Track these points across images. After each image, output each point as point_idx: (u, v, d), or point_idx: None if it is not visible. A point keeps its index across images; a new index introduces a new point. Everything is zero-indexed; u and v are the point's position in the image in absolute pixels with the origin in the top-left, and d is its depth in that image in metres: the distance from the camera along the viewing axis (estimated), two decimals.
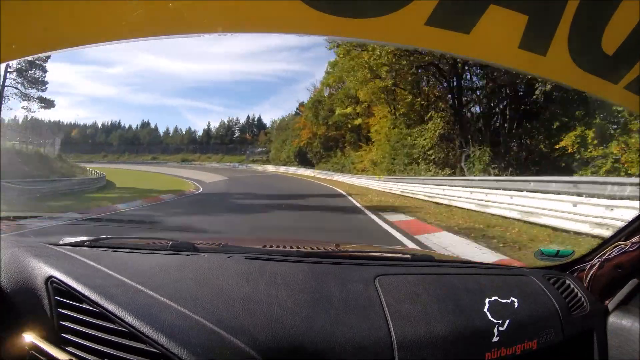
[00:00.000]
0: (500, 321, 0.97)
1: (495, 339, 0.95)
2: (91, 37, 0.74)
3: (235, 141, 62.97)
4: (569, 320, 1.10)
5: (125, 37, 0.73)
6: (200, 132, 64.79)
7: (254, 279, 0.94)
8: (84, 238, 1.16)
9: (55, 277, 0.83)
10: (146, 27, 0.73)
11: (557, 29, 0.73)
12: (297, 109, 48.94)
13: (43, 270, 0.85)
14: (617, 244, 1.14)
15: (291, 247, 1.29)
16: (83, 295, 0.80)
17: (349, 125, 33.46)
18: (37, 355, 0.71)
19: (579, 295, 1.16)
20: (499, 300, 1.02)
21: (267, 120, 65.96)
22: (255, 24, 0.75)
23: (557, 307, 1.09)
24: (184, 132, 64.88)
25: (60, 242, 1.10)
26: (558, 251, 1.32)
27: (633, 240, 1.10)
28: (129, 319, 0.74)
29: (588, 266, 1.21)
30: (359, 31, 0.74)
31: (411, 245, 5.46)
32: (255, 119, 66.82)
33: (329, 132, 36.75)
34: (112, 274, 0.88)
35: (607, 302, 1.17)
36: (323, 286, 0.95)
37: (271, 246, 1.29)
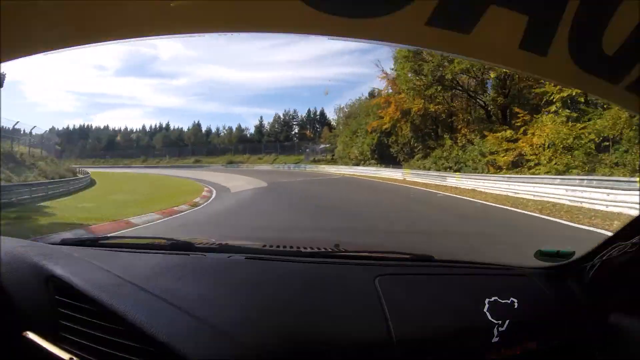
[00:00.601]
0: (500, 321, 0.97)
1: (495, 340, 0.95)
2: (91, 37, 0.74)
3: (292, 138, 50.49)
4: (569, 321, 1.10)
5: (126, 36, 0.73)
6: (252, 130, 52.89)
7: (253, 279, 0.94)
8: (84, 237, 1.16)
9: (56, 277, 0.84)
10: (146, 26, 0.73)
11: (558, 29, 0.72)
12: (369, 93, 35.20)
13: (43, 269, 0.85)
14: (617, 244, 1.14)
15: (291, 248, 1.29)
16: (83, 294, 0.80)
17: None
18: (38, 354, 0.71)
19: (580, 295, 1.16)
20: (499, 300, 1.02)
21: (331, 115, 49.02)
22: (255, 23, 0.75)
23: (557, 308, 1.09)
24: (233, 130, 53.36)
25: (60, 242, 1.10)
26: (558, 251, 1.32)
27: (633, 240, 1.10)
28: (129, 318, 0.74)
29: (588, 266, 1.21)
30: (359, 31, 0.74)
31: None
32: (317, 113, 51.32)
33: (431, 107, 21.83)
34: (112, 273, 0.88)
35: (607, 302, 1.16)
36: (323, 286, 0.94)
37: (271, 246, 1.29)
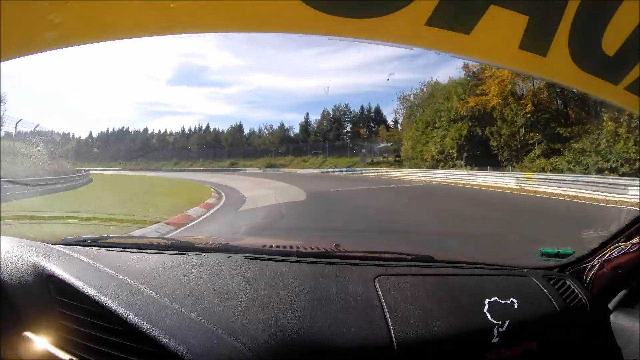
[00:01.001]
0: (500, 322, 0.97)
1: (495, 340, 0.95)
2: (91, 36, 0.74)
3: (343, 137, 41.03)
4: (569, 321, 1.10)
5: (126, 36, 0.74)
6: (297, 129, 43.89)
7: (253, 279, 0.93)
8: (85, 237, 1.16)
9: (56, 277, 0.83)
10: (146, 26, 0.73)
11: (558, 29, 0.73)
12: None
13: (43, 269, 0.85)
14: (617, 244, 1.14)
15: (291, 247, 1.29)
16: (83, 294, 0.79)
17: None
18: (38, 354, 0.71)
19: (579, 296, 1.16)
20: (499, 300, 1.02)
21: (389, 114, 40.95)
22: (256, 23, 0.75)
23: (557, 308, 1.09)
24: (274, 129, 44.71)
25: (61, 242, 1.10)
26: (558, 251, 1.32)
27: (633, 241, 1.10)
28: (129, 318, 0.74)
29: (588, 267, 1.21)
30: (359, 31, 0.75)
31: None
32: (372, 109, 41.37)
33: None
34: (112, 273, 0.88)
35: (607, 303, 1.16)
36: (322, 286, 0.94)
37: (271, 246, 1.29)
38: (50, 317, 0.79)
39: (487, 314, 0.98)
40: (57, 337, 0.76)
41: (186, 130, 46.33)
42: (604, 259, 1.16)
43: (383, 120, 40.14)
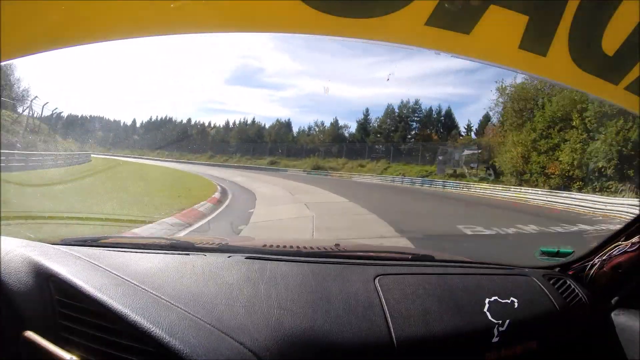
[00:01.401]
0: (500, 321, 0.97)
1: (495, 339, 0.95)
2: (91, 36, 0.74)
3: (411, 140, 31.75)
4: (569, 321, 1.10)
5: (126, 35, 0.74)
6: (353, 128, 35.71)
7: (253, 278, 0.93)
8: (85, 237, 1.16)
9: (56, 276, 0.83)
10: (146, 26, 0.73)
11: (557, 29, 0.73)
12: None
13: (44, 269, 0.85)
14: (617, 244, 1.15)
15: (291, 247, 1.29)
16: (83, 294, 0.79)
17: None
18: (38, 354, 0.71)
19: (579, 295, 1.16)
20: (499, 300, 1.02)
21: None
22: (256, 23, 0.75)
23: (557, 307, 1.09)
24: (326, 127, 36.77)
25: (61, 242, 1.09)
26: (558, 250, 1.32)
27: (633, 240, 1.10)
28: (129, 318, 0.74)
29: (588, 266, 1.21)
30: (359, 31, 0.75)
31: None
32: (442, 112, 32.53)
33: None
34: (113, 273, 0.88)
35: (607, 301, 1.17)
36: (323, 286, 0.94)
37: (271, 246, 1.29)
38: (51, 317, 0.79)
39: (488, 313, 0.98)
40: (58, 337, 0.76)
41: (230, 124, 40.07)
42: (604, 258, 1.16)
43: (455, 127, 31.25)
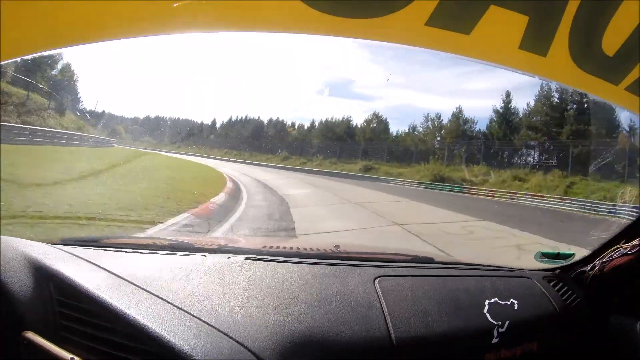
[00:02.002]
0: (500, 323, 0.97)
1: (494, 341, 0.94)
2: (91, 36, 0.74)
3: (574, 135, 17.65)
4: (569, 323, 1.09)
5: (126, 35, 0.74)
6: (481, 124, 23.92)
7: (253, 279, 0.93)
8: (85, 238, 1.16)
9: (56, 277, 0.83)
10: (146, 26, 0.73)
11: (558, 29, 0.73)
12: None
13: (44, 269, 0.85)
14: (617, 246, 1.14)
15: (291, 248, 1.28)
16: (83, 294, 0.79)
17: None
18: (38, 354, 0.71)
19: (579, 297, 1.16)
20: (499, 302, 1.02)
21: None
22: (256, 23, 0.75)
23: (557, 309, 1.09)
24: (443, 120, 26.04)
25: (61, 242, 1.09)
26: (558, 253, 1.32)
27: (633, 243, 1.10)
28: (129, 318, 0.74)
29: (589, 268, 1.21)
30: (359, 31, 0.75)
31: None
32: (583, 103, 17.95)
33: None
34: (113, 273, 0.88)
35: (607, 304, 1.16)
36: (323, 287, 0.94)
37: (271, 247, 1.29)
38: (51, 317, 0.79)
39: (487, 315, 0.97)
40: (58, 336, 0.76)
41: (316, 123, 31.83)
42: (604, 260, 1.16)
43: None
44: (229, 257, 1.05)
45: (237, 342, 0.73)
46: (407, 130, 27.64)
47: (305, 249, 1.30)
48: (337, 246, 1.35)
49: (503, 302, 1.02)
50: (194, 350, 0.69)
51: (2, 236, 0.92)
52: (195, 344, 0.71)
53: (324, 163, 27.47)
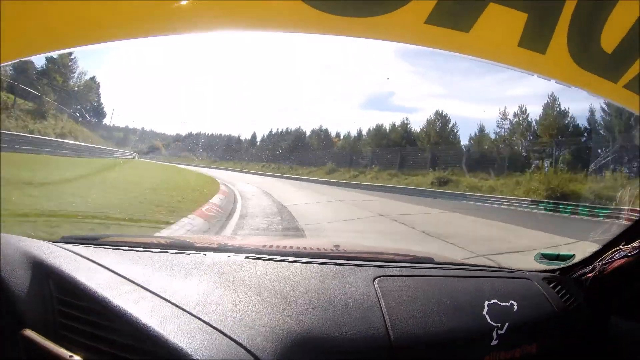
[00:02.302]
0: (500, 324, 0.96)
1: (494, 342, 0.94)
2: (91, 37, 0.74)
3: None
4: (569, 324, 1.09)
5: (126, 36, 0.74)
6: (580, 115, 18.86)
7: (253, 278, 0.93)
8: (85, 236, 1.16)
9: (56, 275, 0.83)
10: (146, 26, 0.74)
11: (557, 27, 0.73)
12: None
13: (44, 267, 0.85)
14: (617, 248, 1.14)
15: (291, 248, 1.28)
16: (83, 292, 0.79)
17: None
18: (37, 352, 0.71)
19: (579, 299, 1.15)
20: (499, 303, 1.02)
21: None
22: (256, 23, 0.75)
23: (557, 311, 1.08)
24: (520, 116, 19.32)
25: (61, 240, 1.10)
26: (558, 254, 1.32)
27: (634, 244, 1.10)
28: (129, 317, 0.74)
29: (588, 270, 1.21)
30: (359, 30, 0.75)
31: None
32: None
33: None
34: (112, 272, 0.88)
35: (607, 306, 1.16)
36: (322, 287, 0.94)
37: (271, 246, 1.29)
38: (50, 315, 0.79)
39: (487, 316, 0.97)
40: (57, 335, 0.76)
41: (364, 132, 26.59)
42: (604, 262, 1.15)
43: None
44: (228, 256, 1.05)
45: (236, 341, 0.73)
46: (475, 134, 21.14)
47: (305, 248, 1.30)
48: (336, 246, 1.35)
49: (502, 304, 1.02)
50: (192, 350, 0.69)
51: (2, 234, 0.93)
52: (193, 343, 0.71)
53: (380, 175, 20.94)
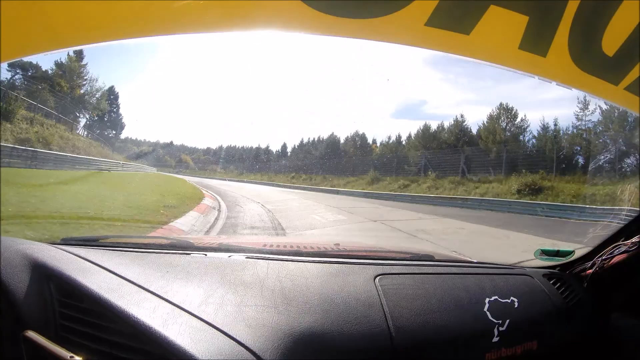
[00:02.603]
0: (500, 321, 0.97)
1: (495, 339, 0.95)
2: (91, 37, 0.74)
3: None
4: (569, 321, 1.10)
5: (126, 36, 0.74)
6: None
7: (254, 278, 0.93)
8: (85, 237, 1.16)
9: (56, 276, 0.83)
10: (146, 26, 0.73)
11: (558, 29, 0.73)
12: None
13: (44, 269, 0.85)
14: (617, 244, 1.14)
15: (291, 247, 1.29)
16: (83, 294, 0.79)
17: None
18: (38, 353, 0.71)
19: (580, 295, 1.16)
20: (499, 300, 1.02)
21: None
22: (256, 23, 0.75)
23: (557, 307, 1.09)
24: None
25: (61, 241, 1.10)
26: (558, 251, 1.32)
27: (633, 240, 1.10)
28: (129, 318, 0.74)
29: (589, 266, 1.21)
30: (359, 31, 0.75)
31: None
32: None
33: None
34: (113, 273, 0.88)
35: (607, 302, 1.16)
36: (323, 286, 0.94)
37: (271, 245, 1.29)
38: (51, 316, 0.79)
39: (488, 313, 0.98)
40: (58, 336, 0.77)
41: (412, 134, 22.24)
42: (604, 258, 1.16)
43: None
44: (229, 256, 1.05)
45: (237, 341, 0.74)
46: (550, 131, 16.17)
47: (305, 247, 1.30)
48: (337, 244, 1.35)
49: (503, 300, 1.02)
50: (194, 350, 0.69)
51: (2, 236, 0.93)
52: (195, 343, 0.71)
53: (440, 183, 16.37)
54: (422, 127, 21.79)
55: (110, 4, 0.68)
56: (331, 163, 24.12)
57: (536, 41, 0.74)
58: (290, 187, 19.86)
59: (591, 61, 0.78)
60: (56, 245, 1.01)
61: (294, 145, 29.01)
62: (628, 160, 12.64)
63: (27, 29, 0.69)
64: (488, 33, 0.72)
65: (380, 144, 24.28)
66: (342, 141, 26.14)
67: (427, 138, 20.59)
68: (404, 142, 22.44)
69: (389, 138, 23.92)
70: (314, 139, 28.01)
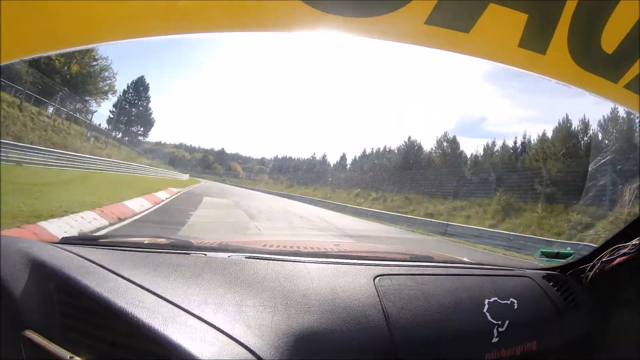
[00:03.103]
0: (500, 322, 0.97)
1: (494, 340, 0.94)
2: (91, 37, 0.74)
3: None
4: (569, 322, 1.09)
5: (127, 36, 0.74)
6: None
7: (253, 278, 0.93)
8: (85, 236, 1.16)
9: (56, 275, 0.83)
10: (147, 26, 0.73)
11: (557, 27, 0.73)
12: None
13: (44, 268, 0.85)
14: (617, 246, 1.14)
15: (291, 247, 1.28)
16: (84, 294, 0.79)
17: None
18: (38, 353, 0.71)
19: (579, 296, 1.15)
20: (499, 301, 1.02)
21: None
22: (256, 23, 0.75)
23: (557, 309, 1.09)
24: None
25: (61, 241, 1.10)
26: (558, 252, 1.32)
27: (633, 242, 1.10)
28: (129, 317, 0.74)
29: (588, 267, 1.21)
30: (359, 30, 0.75)
31: None
32: None
33: None
34: (113, 272, 0.88)
35: (606, 303, 1.16)
36: (322, 286, 0.94)
37: (271, 246, 1.29)
38: (51, 316, 0.79)
39: (487, 314, 0.97)
40: (58, 336, 0.76)
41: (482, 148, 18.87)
42: (604, 259, 1.16)
43: None
44: (229, 256, 1.05)
45: (237, 341, 0.73)
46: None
47: (305, 247, 1.30)
48: (337, 245, 1.35)
49: (503, 302, 1.02)
50: (194, 350, 0.69)
51: (2, 235, 0.93)
52: (195, 343, 0.71)
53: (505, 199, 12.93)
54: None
55: (110, 4, 0.68)
56: (413, 177, 17.74)
57: (535, 39, 0.75)
58: (357, 210, 14.02)
59: (590, 59, 0.78)
60: (56, 245, 1.01)
61: (355, 156, 24.13)
62: None
63: (27, 29, 0.69)
64: (488, 31, 0.73)
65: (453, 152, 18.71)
66: (426, 149, 19.43)
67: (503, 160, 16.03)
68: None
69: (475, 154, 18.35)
70: (382, 148, 22.55)
